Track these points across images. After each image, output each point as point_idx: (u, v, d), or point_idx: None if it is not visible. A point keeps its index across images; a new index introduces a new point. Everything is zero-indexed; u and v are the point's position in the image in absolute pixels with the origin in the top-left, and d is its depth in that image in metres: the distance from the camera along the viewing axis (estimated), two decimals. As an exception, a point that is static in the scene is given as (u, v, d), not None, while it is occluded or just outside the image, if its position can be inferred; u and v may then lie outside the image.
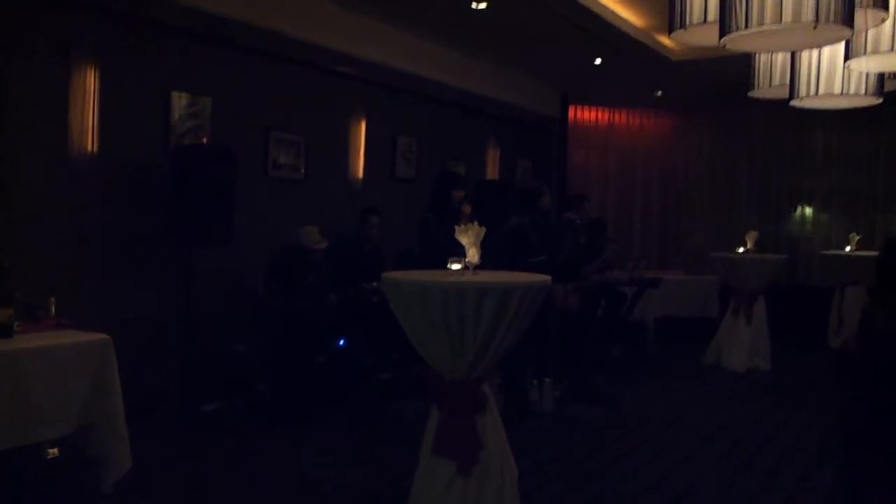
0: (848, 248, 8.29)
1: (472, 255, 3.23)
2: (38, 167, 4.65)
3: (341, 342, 5.68)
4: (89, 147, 4.87)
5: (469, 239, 3.24)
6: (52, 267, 4.58)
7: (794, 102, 3.81)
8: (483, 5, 6.18)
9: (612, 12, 6.80)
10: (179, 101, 5.42)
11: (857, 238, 8.31)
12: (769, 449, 4.87)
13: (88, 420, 3.57)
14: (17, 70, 4.36)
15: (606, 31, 6.92)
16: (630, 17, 7.07)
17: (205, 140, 5.52)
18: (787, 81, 3.75)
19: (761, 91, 3.98)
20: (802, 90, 3.68)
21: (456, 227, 3.28)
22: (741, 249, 7.63)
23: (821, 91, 3.62)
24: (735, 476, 4.35)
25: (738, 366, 7.16)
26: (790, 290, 8.90)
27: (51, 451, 3.83)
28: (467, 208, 5.56)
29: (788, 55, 3.71)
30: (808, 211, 10.00)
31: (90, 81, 4.85)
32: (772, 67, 3.89)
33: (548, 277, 3.31)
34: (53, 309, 3.85)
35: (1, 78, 4.35)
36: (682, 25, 3.09)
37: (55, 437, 3.62)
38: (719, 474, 4.38)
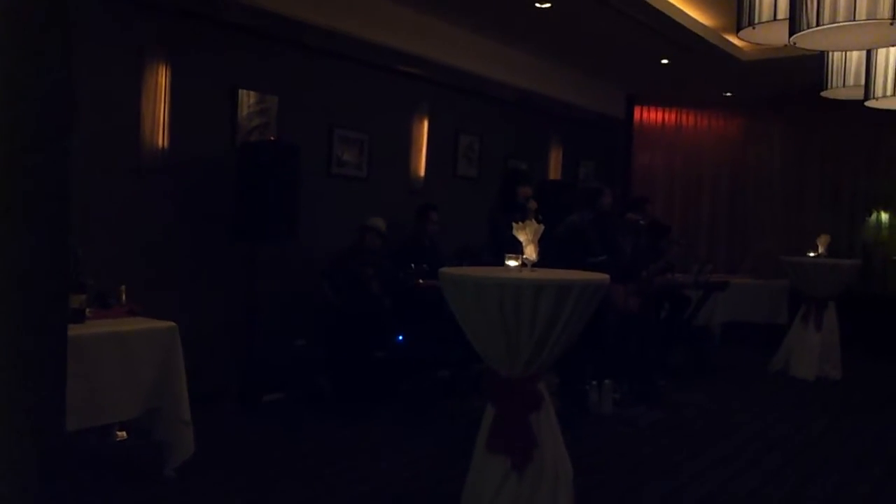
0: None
1: (530, 251, 3.22)
2: (111, 161, 4.82)
3: (400, 338, 5.72)
4: (160, 143, 5.04)
5: (527, 236, 3.23)
6: (122, 258, 4.73)
7: (869, 103, 3.67)
8: (547, 4, 6.15)
9: (680, 11, 6.69)
10: (247, 99, 5.56)
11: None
12: (837, 458, 4.71)
13: (155, 404, 3.69)
14: (92, 68, 4.52)
15: (673, 31, 6.81)
16: (698, 16, 6.93)
17: (272, 137, 5.65)
18: (862, 81, 3.61)
19: (834, 91, 3.83)
20: (878, 90, 3.54)
21: (514, 224, 3.28)
22: (812, 254, 7.40)
23: (898, 91, 3.47)
24: (802, 485, 4.22)
25: (806, 373, 6.96)
26: (864, 298, 8.58)
27: (119, 433, 4.01)
28: (533, 204, 5.54)
29: (863, 54, 3.57)
30: (884, 216, 9.62)
31: (161, 79, 5.02)
32: (846, 66, 3.75)
33: (606, 276, 3.28)
34: (124, 297, 4.00)
35: (76, 76, 4.52)
36: (751, 24, 3.01)
37: (123, 419, 3.79)
38: (785, 482, 4.24)
